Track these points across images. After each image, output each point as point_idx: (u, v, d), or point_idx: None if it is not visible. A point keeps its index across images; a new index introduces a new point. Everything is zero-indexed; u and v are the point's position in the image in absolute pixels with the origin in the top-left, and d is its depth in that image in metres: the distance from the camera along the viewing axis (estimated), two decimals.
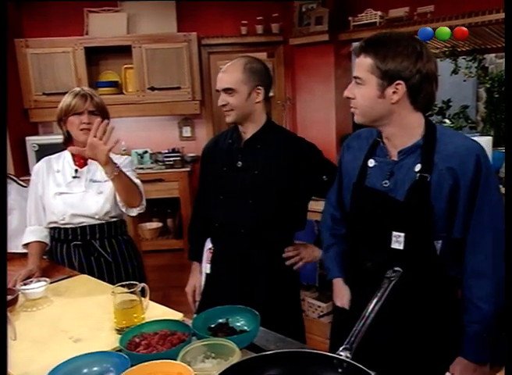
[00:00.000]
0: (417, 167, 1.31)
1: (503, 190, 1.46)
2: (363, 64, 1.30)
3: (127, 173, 1.92)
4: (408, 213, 1.32)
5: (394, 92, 1.28)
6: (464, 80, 5.26)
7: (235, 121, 1.80)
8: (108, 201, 2.00)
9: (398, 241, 1.33)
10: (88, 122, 1.93)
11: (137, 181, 2.01)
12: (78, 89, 2.00)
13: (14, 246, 2.11)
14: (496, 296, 1.28)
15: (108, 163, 1.76)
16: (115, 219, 2.06)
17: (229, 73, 1.77)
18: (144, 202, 2.01)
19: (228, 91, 1.76)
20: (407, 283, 1.31)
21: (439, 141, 1.32)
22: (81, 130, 1.94)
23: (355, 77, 1.33)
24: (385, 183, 1.36)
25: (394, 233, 1.34)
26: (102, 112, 2.00)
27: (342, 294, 1.56)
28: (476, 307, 1.29)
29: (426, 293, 1.38)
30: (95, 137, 1.71)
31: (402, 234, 1.32)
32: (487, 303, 1.28)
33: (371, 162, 1.40)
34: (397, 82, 1.27)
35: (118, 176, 1.80)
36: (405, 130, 1.34)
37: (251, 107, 1.78)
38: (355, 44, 1.34)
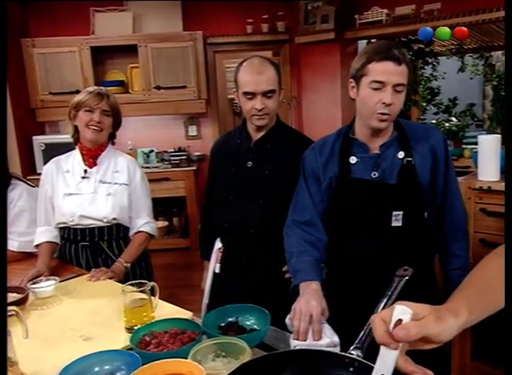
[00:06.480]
0: (401, 154, 1.50)
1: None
2: (404, 72, 1.43)
3: (140, 197, 2.07)
4: (403, 193, 1.50)
5: None
6: (471, 78, 5.25)
7: (265, 125, 1.77)
8: (117, 207, 2.01)
9: (397, 219, 1.50)
10: (99, 121, 1.94)
11: (148, 206, 2.12)
12: (95, 88, 2.00)
13: (24, 246, 2.13)
14: (468, 246, 1.62)
15: (120, 274, 1.90)
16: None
17: (266, 75, 1.69)
18: (157, 236, 2.16)
19: (268, 93, 1.69)
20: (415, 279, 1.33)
21: (407, 130, 1.54)
22: (89, 127, 1.95)
23: (399, 85, 1.42)
24: (374, 174, 1.51)
25: (394, 212, 1.49)
26: (115, 113, 2.01)
27: (319, 301, 1.33)
28: (457, 256, 1.57)
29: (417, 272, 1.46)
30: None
31: (401, 213, 1.49)
32: (465, 251, 1.58)
33: (353, 159, 1.54)
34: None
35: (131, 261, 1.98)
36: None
37: (277, 108, 1.77)
38: (395, 53, 1.41)
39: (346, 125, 1.63)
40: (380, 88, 1.41)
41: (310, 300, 1.31)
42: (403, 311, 0.69)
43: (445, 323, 0.71)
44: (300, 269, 1.49)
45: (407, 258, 1.39)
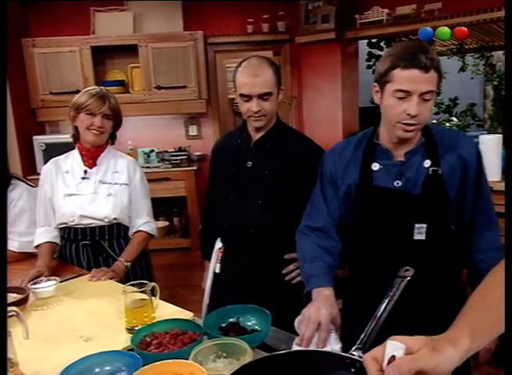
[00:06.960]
0: (427, 163, 1.40)
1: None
2: (432, 78, 1.30)
3: (139, 197, 2.07)
4: (428, 205, 1.39)
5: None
6: (472, 78, 5.24)
7: (263, 126, 1.76)
8: (118, 207, 2.01)
9: (420, 232, 1.40)
10: (100, 125, 1.93)
11: (148, 206, 2.11)
12: (96, 89, 1.98)
13: (24, 246, 2.13)
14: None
15: (121, 273, 1.90)
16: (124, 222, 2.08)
17: (263, 77, 1.67)
18: (156, 235, 2.16)
19: (264, 96, 1.68)
20: (421, 279, 1.31)
21: (436, 137, 1.43)
22: (90, 130, 1.94)
23: (426, 92, 1.30)
24: (397, 183, 1.42)
25: (417, 225, 1.40)
26: (116, 115, 2.00)
27: (329, 309, 1.26)
28: None
29: (439, 285, 1.42)
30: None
31: (424, 225, 1.39)
32: None
33: (376, 166, 1.45)
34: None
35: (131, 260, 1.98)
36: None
37: (276, 109, 1.75)
38: (423, 59, 1.27)
39: (371, 128, 1.52)
40: (405, 97, 1.30)
41: (321, 308, 1.25)
42: (395, 347, 0.66)
43: (442, 354, 0.66)
44: (313, 274, 1.42)
45: (428, 272, 1.37)
